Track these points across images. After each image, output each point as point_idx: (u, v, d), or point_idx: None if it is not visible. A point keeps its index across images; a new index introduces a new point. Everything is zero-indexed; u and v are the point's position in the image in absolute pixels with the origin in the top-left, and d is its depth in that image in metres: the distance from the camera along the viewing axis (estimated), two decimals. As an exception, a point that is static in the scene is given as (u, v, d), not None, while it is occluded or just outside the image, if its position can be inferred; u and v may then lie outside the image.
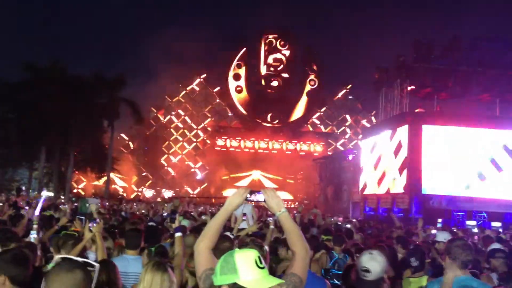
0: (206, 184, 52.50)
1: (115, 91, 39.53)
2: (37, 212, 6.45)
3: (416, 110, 30.29)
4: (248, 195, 3.00)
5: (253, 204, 10.38)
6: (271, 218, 8.26)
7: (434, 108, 30.47)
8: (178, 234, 5.47)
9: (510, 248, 6.78)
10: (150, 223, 8.28)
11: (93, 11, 45.41)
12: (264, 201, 3.00)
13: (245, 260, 2.32)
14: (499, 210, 24.35)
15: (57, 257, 2.49)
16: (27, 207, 11.42)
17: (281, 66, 54.76)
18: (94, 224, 5.33)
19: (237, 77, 54.43)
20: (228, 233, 5.84)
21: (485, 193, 25.29)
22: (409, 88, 31.09)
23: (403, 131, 26.91)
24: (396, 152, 27.38)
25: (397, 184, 27.01)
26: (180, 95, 55.13)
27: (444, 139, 25.74)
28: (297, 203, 41.94)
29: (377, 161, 30.01)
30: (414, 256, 5.49)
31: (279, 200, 3.01)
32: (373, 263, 3.96)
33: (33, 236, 5.34)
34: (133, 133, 52.41)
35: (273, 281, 2.32)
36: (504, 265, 5.64)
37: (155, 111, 54.41)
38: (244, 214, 8.57)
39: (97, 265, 2.53)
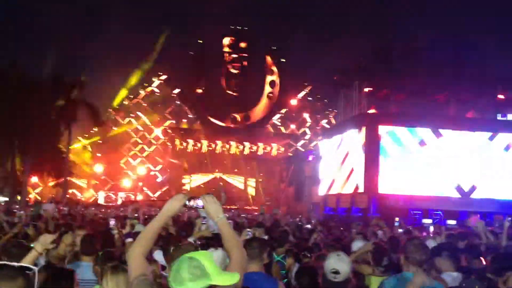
0: (167, 187, 52.01)
1: (73, 93, 38.79)
2: None
3: (371, 111, 30.78)
4: (187, 201, 2.99)
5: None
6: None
7: (391, 110, 31.06)
8: (128, 240, 5.39)
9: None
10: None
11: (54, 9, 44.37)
12: (203, 207, 3.01)
13: (210, 263, 2.36)
14: (454, 208, 24.98)
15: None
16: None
17: (241, 67, 54.78)
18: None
19: (197, 78, 54.14)
20: (191, 239, 5.80)
21: (441, 192, 25.93)
22: (367, 90, 31.61)
23: (360, 132, 27.34)
24: (353, 153, 27.78)
25: (354, 184, 27.41)
26: (139, 97, 54.47)
27: (400, 139, 26.26)
28: (262, 206, 42.08)
29: (336, 162, 30.36)
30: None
31: (217, 206, 3.03)
32: (342, 264, 4.01)
33: None
34: (91, 136, 51.52)
35: (235, 276, 2.43)
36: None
37: (114, 113, 53.56)
38: (204, 218, 8.49)
39: (34, 268, 2.50)
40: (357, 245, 6.77)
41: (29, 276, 2.43)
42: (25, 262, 4.64)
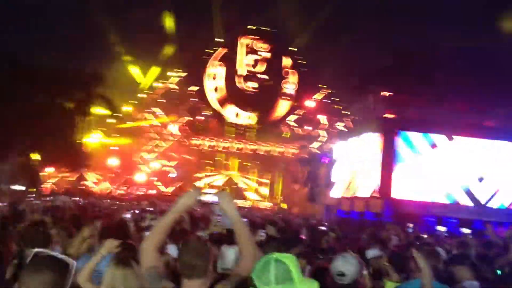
0: (180, 183, 52.18)
1: (90, 87, 39.08)
2: None
3: (391, 116, 30.60)
4: (201, 197, 2.99)
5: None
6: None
7: (408, 115, 30.81)
8: (147, 233, 5.42)
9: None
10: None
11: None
12: (217, 203, 3.01)
13: (296, 267, 2.36)
14: (469, 216, 24.70)
15: (34, 250, 2.40)
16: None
17: (260, 67, 54.81)
18: None
19: (215, 77, 54.31)
20: (200, 233, 5.81)
21: (456, 200, 25.71)
22: (386, 94, 31.44)
23: (378, 137, 27.17)
24: (371, 157, 27.62)
25: (369, 188, 27.28)
26: (157, 93, 54.73)
27: (418, 145, 26.07)
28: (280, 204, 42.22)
29: (352, 165, 30.23)
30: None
31: (232, 202, 3.03)
32: (348, 266, 3.98)
33: None
34: (107, 130, 51.89)
35: (314, 283, 2.42)
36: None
37: (131, 108, 53.88)
38: (219, 215, 8.48)
39: (72, 262, 2.43)
40: (373, 253, 6.73)
41: (61, 271, 2.36)
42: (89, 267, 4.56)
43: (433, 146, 26.13)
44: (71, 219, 8.80)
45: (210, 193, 3.03)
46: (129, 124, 53.19)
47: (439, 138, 26.27)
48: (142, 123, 54.01)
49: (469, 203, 25.85)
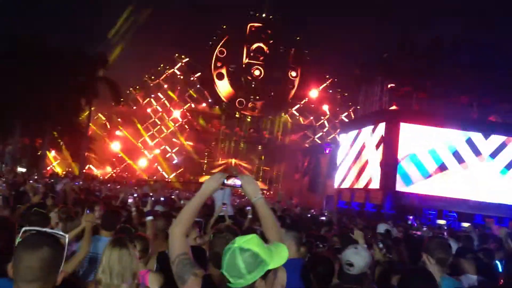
0: (182, 169, 52.29)
1: (95, 69, 39.01)
2: None
3: (392, 108, 30.55)
4: (225, 180, 2.98)
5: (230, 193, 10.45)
6: (249, 207, 8.24)
7: (412, 107, 30.78)
8: (149, 218, 5.43)
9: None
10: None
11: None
12: (241, 186, 2.99)
13: (260, 247, 2.29)
14: (469, 211, 24.74)
15: (23, 229, 2.37)
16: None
17: (264, 55, 54.65)
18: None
19: (218, 63, 54.19)
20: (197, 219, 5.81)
21: (457, 194, 25.72)
22: (389, 86, 31.35)
23: (380, 128, 27.14)
24: (372, 148, 27.63)
25: (370, 180, 27.31)
26: (161, 78, 54.67)
27: (420, 138, 26.05)
28: (280, 192, 42.22)
29: (354, 156, 30.24)
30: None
31: (255, 186, 3.00)
32: (357, 257, 4.00)
33: None
34: (110, 113, 51.88)
35: (283, 248, 2.37)
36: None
37: (134, 92, 53.86)
38: (224, 204, 8.54)
39: (65, 235, 2.41)
40: (382, 227, 6.87)
41: (57, 247, 2.35)
42: (71, 235, 4.68)
43: (434, 139, 26.11)
44: (73, 202, 8.84)
45: (234, 176, 2.99)
46: (132, 108, 53.18)
47: (439, 131, 26.24)
48: (145, 108, 54.00)
49: (472, 197, 25.87)
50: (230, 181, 2.97)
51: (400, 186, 25.52)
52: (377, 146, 26.96)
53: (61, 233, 2.40)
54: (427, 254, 4.04)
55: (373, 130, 27.96)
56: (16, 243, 2.33)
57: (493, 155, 26.27)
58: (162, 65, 54.58)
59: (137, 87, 53.91)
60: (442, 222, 22.82)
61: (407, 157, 25.88)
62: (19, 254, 2.28)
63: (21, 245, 2.30)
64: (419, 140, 25.97)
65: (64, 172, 38.33)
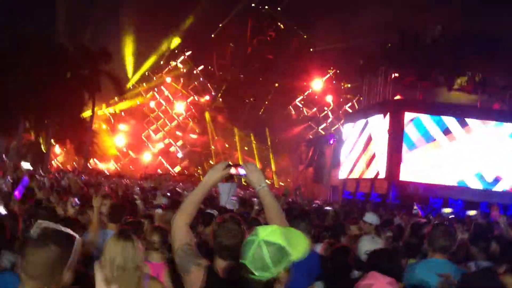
0: (186, 162, 52.36)
1: (98, 63, 39.01)
2: (17, 193, 6.34)
3: (396, 98, 30.45)
4: (229, 169, 2.95)
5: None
6: (255, 198, 8.22)
7: (417, 96, 30.64)
8: (158, 211, 5.43)
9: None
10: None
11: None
12: (245, 175, 2.97)
13: (281, 238, 2.30)
14: (475, 199, 24.67)
15: (38, 222, 2.34)
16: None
17: (267, 48, 54.51)
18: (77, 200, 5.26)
19: (223, 57, 54.11)
20: (209, 210, 5.82)
21: (462, 182, 25.70)
22: (393, 76, 31.22)
23: (382, 118, 27.13)
24: (378, 139, 27.59)
25: (375, 170, 27.29)
26: (164, 72, 54.63)
27: (425, 127, 26.00)
28: (286, 188, 42.21)
29: (358, 146, 30.20)
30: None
31: (259, 174, 2.98)
32: (376, 246, 3.98)
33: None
34: (114, 108, 51.93)
35: (300, 235, 2.40)
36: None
37: (137, 85, 53.85)
38: (233, 197, 8.55)
39: (77, 236, 2.38)
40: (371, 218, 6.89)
41: (66, 246, 2.32)
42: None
43: (444, 129, 26.07)
44: (79, 197, 8.83)
45: (237, 165, 2.96)
46: (135, 102, 53.21)
47: (448, 120, 26.18)
48: (148, 101, 54.01)
49: (478, 185, 25.84)
50: (234, 170, 2.94)
51: (404, 175, 25.51)
52: (382, 136, 26.92)
53: (72, 233, 2.37)
54: (429, 242, 4.03)
55: (378, 120, 27.91)
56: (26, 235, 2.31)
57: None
58: (164, 59, 54.50)
59: (141, 81, 53.86)
60: (448, 210, 22.78)
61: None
62: (27, 249, 2.26)
63: (31, 239, 2.28)
64: (423, 130, 25.97)
65: (68, 167, 38.48)
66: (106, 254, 3.39)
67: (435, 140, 26.00)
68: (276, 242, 2.26)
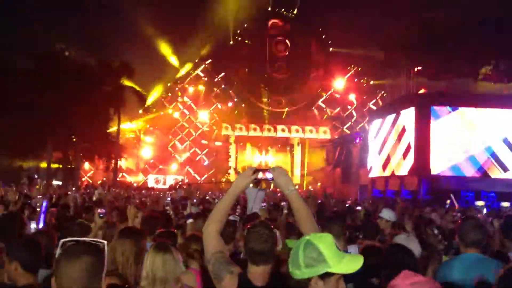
0: (213, 170, 52.54)
1: (120, 78, 39.54)
2: (41, 224, 6.43)
3: (421, 92, 30.07)
4: (257, 174, 2.95)
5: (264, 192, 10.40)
6: (284, 203, 8.19)
7: (439, 88, 30.24)
8: (190, 221, 5.45)
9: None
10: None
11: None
12: (273, 179, 2.96)
13: (330, 247, 2.27)
14: (507, 190, 24.20)
15: (61, 241, 2.37)
16: (39, 196, 11.46)
17: (286, 50, 54.49)
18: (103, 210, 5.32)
19: (242, 62, 54.21)
20: (232, 217, 5.80)
21: (494, 173, 25.24)
22: (415, 69, 30.92)
23: (409, 113, 26.75)
24: (402, 134, 27.27)
25: (403, 166, 26.95)
26: (185, 82, 54.99)
27: (452, 119, 25.62)
28: (310, 189, 42.11)
29: (384, 143, 29.89)
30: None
31: (287, 178, 2.98)
32: (412, 244, 3.92)
33: (33, 226, 5.31)
34: (139, 121, 52.45)
35: (358, 260, 2.30)
36: None
37: (160, 98, 54.28)
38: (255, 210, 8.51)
39: (103, 242, 2.40)
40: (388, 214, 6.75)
41: (98, 255, 2.34)
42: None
43: (466, 119, 25.67)
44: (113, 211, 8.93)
45: (265, 169, 2.96)
46: (158, 114, 53.68)
47: (471, 112, 25.78)
48: (172, 112, 54.41)
49: (509, 176, 25.34)
50: (261, 175, 2.94)
51: (435, 169, 25.15)
52: (406, 132, 26.60)
53: (99, 240, 2.40)
54: (460, 237, 3.95)
55: (404, 115, 27.56)
56: (56, 255, 2.33)
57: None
58: (185, 69, 54.87)
59: (164, 92, 54.30)
60: (481, 203, 22.39)
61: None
62: (60, 266, 2.28)
63: (62, 256, 2.30)
64: (451, 123, 25.61)
65: (99, 182, 38.96)
66: (148, 268, 3.41)
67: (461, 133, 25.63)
68: (317, 245, 2.25)
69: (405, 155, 27.51)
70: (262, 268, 2.85)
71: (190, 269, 4.14)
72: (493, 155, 25.49)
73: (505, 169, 25.43)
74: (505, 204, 22.31)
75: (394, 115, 28.94)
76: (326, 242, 2.28)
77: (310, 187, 43.54)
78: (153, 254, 3.46)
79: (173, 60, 53.22)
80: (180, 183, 40.86)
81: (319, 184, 44.60)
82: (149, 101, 50.57)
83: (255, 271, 2.85)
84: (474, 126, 25.58)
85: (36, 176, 31.54)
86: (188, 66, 54.82)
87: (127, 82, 40.78)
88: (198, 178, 51.75)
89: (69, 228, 5.20)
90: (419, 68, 30.82)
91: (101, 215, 5.25)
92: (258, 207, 8.75)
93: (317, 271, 2.24)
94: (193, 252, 4.35)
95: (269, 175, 2.95)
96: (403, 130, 27.64)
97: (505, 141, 25.56)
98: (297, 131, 52.82)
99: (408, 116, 27.22)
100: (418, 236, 4.88)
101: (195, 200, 13.31)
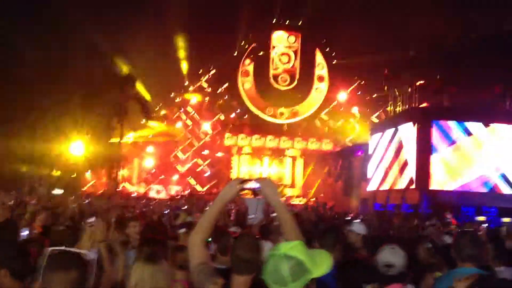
0: (215, 181, 52.47)
1: (124, 88, 39.68)
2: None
3: (422, 105, 30.09)
4: (243, 185, 2.97)
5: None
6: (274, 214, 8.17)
7: (443, 103, 30.25)
8: (182, 230, 5.46)
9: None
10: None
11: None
12: (259, 188, 2.98)
13: (304, 254, 2.29)
14: (509, 205, 24.11)
15: (49, 249, 2.37)
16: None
17: (290, 62, 54.55)
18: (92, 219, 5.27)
19: (245, 73, 54.30)
20: (233, 228, 5.80)
21: (494, 188, 25.17)
22: (418, 83, 30.93)
23: (408, 127, 26.81)
24: (406, 148, 27.26)
25: (408, 176, 26.91)
26: (189, 91, 55.11)
27: (453, 133, 25.61)
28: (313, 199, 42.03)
29: (389, 155, 29.86)
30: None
31: (274, 189, 3.00)
32: (397, 257, 3.90)
33: (25, 233, 5.31)
34: (142, 131, 52.51)
35: (326, 257, 2.35)
36: None
37: (163, 108, 54.42)
38: (252, 216, 8.51)
39: (92, 256, 2.40)
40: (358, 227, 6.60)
41: (84, 268, 2.33)
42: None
43: (469, 134, 25.65)
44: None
45: (251, 180, 2.98)
46: (161, 124, 53.78)
47: (473, 126, 25.76)
48: (175, 123, 54.49)
49: (507, 189, 25.28)
50: (248, 185, 2.97)
51: (435, 184, 25.13)
52: (411, 145, 26.60)
53: (84, 251, 2.40)
54: (456, 251, 3.92)
55: (406, 129, 27.59)
56: (44, 262, 2.33)
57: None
58: (189, 79, 55.02)
59: (166, 102, 54.43)
60: (481, 218, 22.29)
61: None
62: (47, 275, 2.27)
63: (49, 265, 2.29)
64: (452, 137, 25.59)
65: (100, 192, 38.97)
66: (133, 278, 3.33)
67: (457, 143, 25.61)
68: (297, 257, 2.25)
69: (401, 170, 27.58)
70: (244, 278, 2.86)
71: (178, 281, 4.12)
72: (503, 176, 25.51)
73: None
74: (506, 219, 22.20)
75: (393, 129, 29.07)
76: (300, 250, 2.29)
77: (311, 199, 43.41)
78: (141, 266, 3.41)
79: (179, 70, 53.35)
80: (182, 193, 40.81)
81: (322, 194, 44.46)
82: (152, 111, 50.66)
83: (238, 282, 2.86)
84: (482, 143, 25.58)
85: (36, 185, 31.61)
86: (192, 76, 54.98)
87: (131, 92, 40.93)
88: (200, 189, 51.68)
89: (58, 234, 5.20)
90: (422, 82, 30.80)
91: (89, 225, 5.21)
92: (260, 217, 8.78)
93: (304, 281, 2.25)
94: (182, 263, 4.34)
95: (255, 185, 2.97)
96: (400, 145, 27.82)
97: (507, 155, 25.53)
98: (299, 142, 52.72)
99: (406, 130, 27.34)
100: (409, 251, 4.85)
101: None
